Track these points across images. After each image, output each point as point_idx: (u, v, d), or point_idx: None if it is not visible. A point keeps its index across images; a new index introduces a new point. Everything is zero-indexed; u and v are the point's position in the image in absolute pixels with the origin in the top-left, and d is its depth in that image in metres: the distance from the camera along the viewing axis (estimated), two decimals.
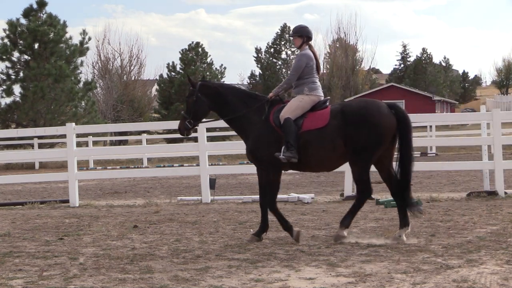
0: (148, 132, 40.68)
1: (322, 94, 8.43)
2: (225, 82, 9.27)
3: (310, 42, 8.60)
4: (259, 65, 75.23)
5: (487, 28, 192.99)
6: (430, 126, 30.17)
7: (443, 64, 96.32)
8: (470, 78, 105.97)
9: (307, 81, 8.33)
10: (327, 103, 8.33)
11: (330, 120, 7.98)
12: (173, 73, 58.96)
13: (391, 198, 11.80)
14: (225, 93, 8.54)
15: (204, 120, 8.92)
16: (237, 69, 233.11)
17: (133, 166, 28.75)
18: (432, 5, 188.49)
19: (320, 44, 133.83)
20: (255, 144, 8.24)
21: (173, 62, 58.57)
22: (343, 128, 7.89)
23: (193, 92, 8.53)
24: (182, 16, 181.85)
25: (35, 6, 35.79)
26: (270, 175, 8.21)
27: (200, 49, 58.64)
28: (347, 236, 7.86)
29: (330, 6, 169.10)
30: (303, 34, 8.50)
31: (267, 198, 8.23)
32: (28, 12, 35.59)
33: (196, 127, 9.03)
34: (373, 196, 12.52)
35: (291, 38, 8.64)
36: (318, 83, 8.48)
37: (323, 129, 7.98)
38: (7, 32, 35.41)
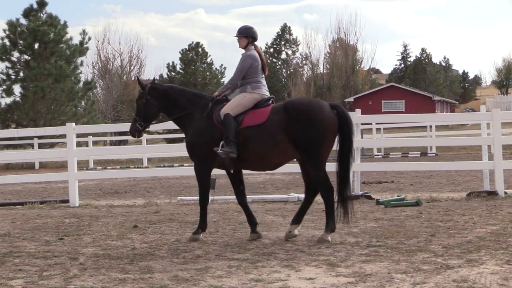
0: (148, 132, 40.65)
1: (265, 93, 8.57)
2: (174, 84, 9.51)
3: (255, 42, 8.74)
4: None
5: (487, 28, 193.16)
6: (430, 126, 30.18)
7: (443, 64, 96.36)
8: (470, 78, 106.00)
9: (251, 80, 8.50)
10: (270, 102, 8.49)
11: (270, 116, 8.12)
12: (173, 73, 59.00)
13: (391, 198, 11.86)
14: (173, 94, 8.77)
15: (154, 122, 9.17)
16: None
17: (133, 166, 28.75)
18: (432, 5, 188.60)
19: (320, 44, 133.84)
20: (195, 140, 8.48)
21: (173, 62, 58.64)
22: (285, 124, 7.99)
23: (143, 95, 8.78)
24: (182, 16, 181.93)
25: (35, 6, 35.81)
26: (202, 171, 8.52)
27: (200, 49, 58.67)
28: (330, 241, 7.90)
29: (330, 6, 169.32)
30: (248, 35, 8.64)
31: (199, 194, 8.55)
32: (28, 12, 35.60)
33: (147, 128, 9.25)
34: (373, 196, 12.60)
35: (237, 38, 8.75)
36: (263, 83, 8.65)
37: (262, 125, 8.12)
38: (7, 32, 35.42)
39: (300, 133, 7.91)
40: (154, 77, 10.03)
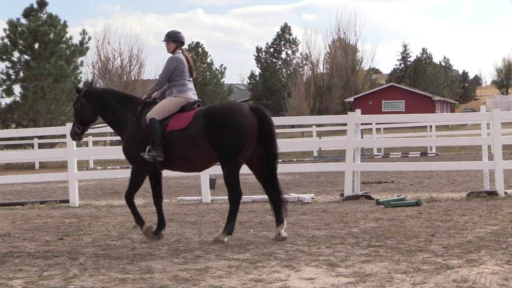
0: None
1: (191, 97, 8.70)
2: (109, 87, 9.84)
3: (182, 47, 8.95)
4: (259, 65, 75.18)
5: (487, 28, 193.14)
6: (430, 126, 30.18)
7: (443, 64, 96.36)
8: (470, 78, 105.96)
9: (177, 83, 8.65)
10: (196, 105, 8.64)
11: (192, 121, 8.29)
12: None
13: (391, 198, 11.86)
14: (106, 97, 8.94)
15: (93, 125, 9.44)
16: (236, 69, 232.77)
17: None
18: (431, 5, 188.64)
19: (320, 44, 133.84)
20: (127, 144, 8.68)
21: None
22: (205, 129, 8.16)
23: (78, 99, 9.00)
24: (180, 16, 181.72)
25: (35, 6, 35.82)
26: (138, 173, 8.62)
27: (200, 49, 58.68)
28: (226, 242, 8.05)
29: (328, 6, 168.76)
30: (177, 40, 8.88)
31: (127, 189, 8.69)
32: (28, 12, 35.62)
33: (86, 131, 9.41)
34: (373, 196, 12.60)
35: (165, 43, 8.95)
36: (189, 86, 8.76)
37: (184, 130, 8.30)
38: (7, 32, 35.45)
39: (219, 138, 8.10)
40: (92, 80, 10.32)
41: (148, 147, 8.28)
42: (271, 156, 8.32)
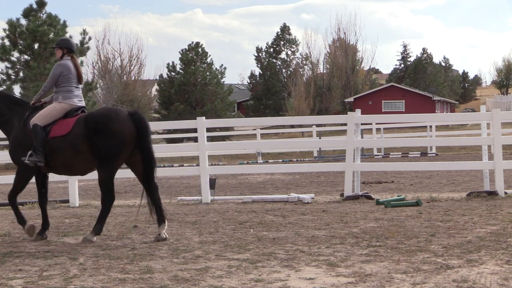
0: None
1: (76, 103, 8.92)
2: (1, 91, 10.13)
3: (72, 54, 9.13)
4: (259, 65, 75.14)
5: (486, 28, 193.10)
6: (430, 126, 30.19)
7: (443, 64, 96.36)
8: (470, 78, 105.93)
9: (63, 89, 8.86)
10: (80, 112, 8.87)
11: (73, 128, 8.51)
12: (173, 73, 58.97)
13: (391, 198, 11.86)
14: None
15: None
16: (235, 69, 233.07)
17: None
18: (430, 5, 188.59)
19: (320, 44, 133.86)
20: (12, 147, 8.97)
21: (173, 62, 58.68)
22: (85, 135, 8.39)
23: None
24: (179, 16, 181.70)
25: (35, 6, 35.82)
26: (22, 175, 8.89)
27: (200, 49, 58.66)
28: (94, 241, 8.34)
29: (327, 6, 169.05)
30: (62, 46, 9.12)
31: (11, 189, 9.05)
32: (28, 12, 35.62)
33: None
34: (373, 196, 12.60)
35: (54, 49, 9.27)
36: (76, 92, 8.96)
37: (66, 136, 8.53)
38: (7, 32, 35.45)
39: (97, 144, 8.33)
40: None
41: (30, 152, 8.51)
42: (147, 160, 8.60)
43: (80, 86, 9.07)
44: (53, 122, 8.65)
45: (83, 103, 8.99)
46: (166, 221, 8.64)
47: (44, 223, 9.04)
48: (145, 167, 8.63)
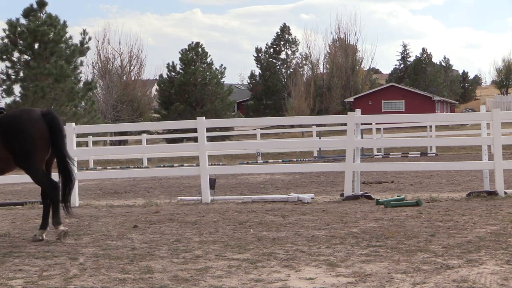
0: (148, 132, 40.63)
1: None
2: None
3: None
4: (259, 65, 75.14)
5: (486, 28, 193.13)
6: (430, 126, 30.20)
7: (443, 64, 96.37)
8: (470, 78, 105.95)
9: None
10: None
11: None
12: (173, 73, 58.98)
13: (391, 198, 11.86)
14: None
15: None
16: (234, 69, 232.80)
17: (133, 166, 28.75)
18: (429, 5, 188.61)
19: (320, 44, 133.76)
20: None
21: (173, 62, 58.70)
22: (0, 137, 8.52)
23: None
24: (178, 16, 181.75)
25: (35, 6, 35.83)
26: None
27: (200, 49, 58.69)
28: (43, 239, 8.60)
29: (327, 6, 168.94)
30: None
31: None
32: (28, 12, 35.63)
33: None
34: (373, 196, 12.60)
35: None
36: None
37: None
38: (7, 32, 35.46)
39: (12, 145, 8.47)
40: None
41: None
42: (60, 158, 8.72)
43: None
44: None
45: (2, 105, 9.18)
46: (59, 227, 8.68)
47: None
48: (59, 169, 8.78)
